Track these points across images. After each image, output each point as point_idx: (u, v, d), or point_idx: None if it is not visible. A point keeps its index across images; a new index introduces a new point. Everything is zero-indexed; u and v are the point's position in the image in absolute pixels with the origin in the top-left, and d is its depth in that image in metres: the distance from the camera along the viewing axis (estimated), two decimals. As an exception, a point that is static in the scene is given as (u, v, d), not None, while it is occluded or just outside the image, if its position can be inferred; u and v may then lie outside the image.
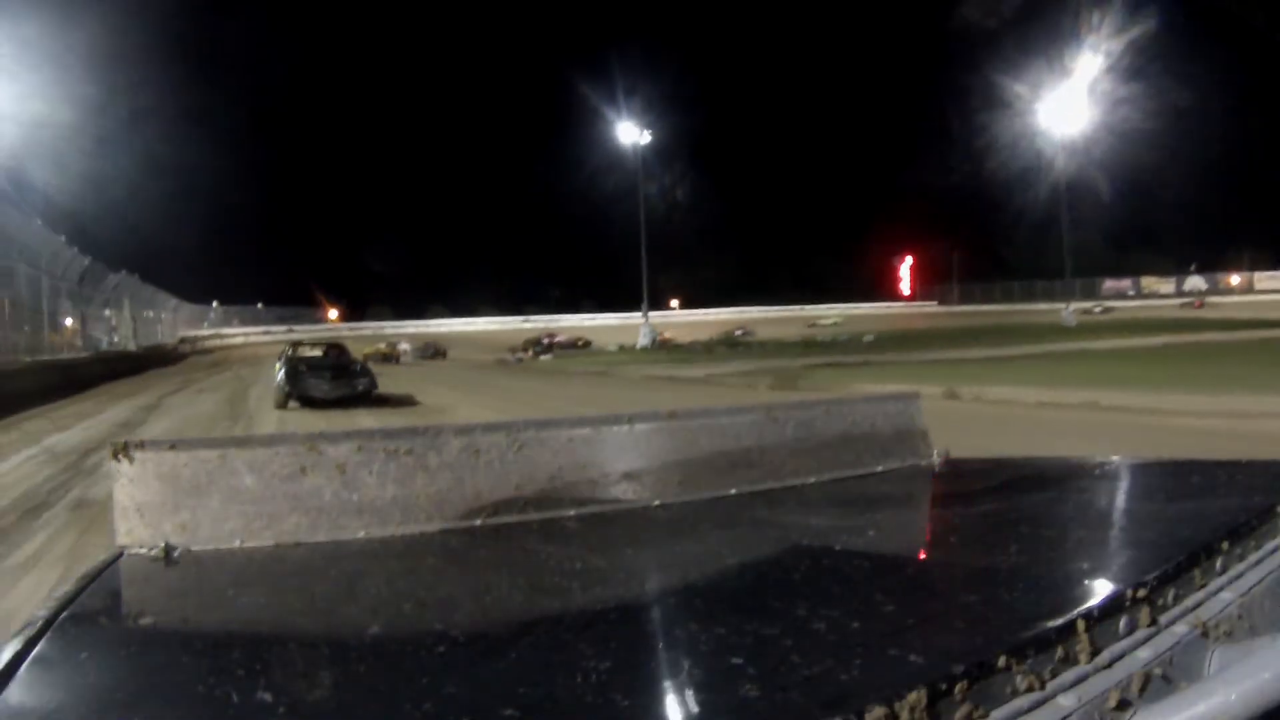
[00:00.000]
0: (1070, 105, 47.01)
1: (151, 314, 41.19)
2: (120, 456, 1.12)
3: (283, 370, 15.15)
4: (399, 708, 0.61)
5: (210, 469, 1.14)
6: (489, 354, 47.00)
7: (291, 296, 70.32)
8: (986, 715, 0.59)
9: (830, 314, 67.79)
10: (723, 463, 1.37)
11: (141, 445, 1.14)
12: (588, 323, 60.18)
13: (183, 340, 43.35)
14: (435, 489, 1.20)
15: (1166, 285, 60.83)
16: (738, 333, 53.46)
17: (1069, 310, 41.78)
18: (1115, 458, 1.62)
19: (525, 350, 47.45)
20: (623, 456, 1.30)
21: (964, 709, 0.58)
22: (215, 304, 61.83)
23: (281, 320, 63.99)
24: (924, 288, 69.27)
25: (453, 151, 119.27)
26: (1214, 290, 55.25)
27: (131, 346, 32.54)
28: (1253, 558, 0.87)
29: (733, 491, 1.34)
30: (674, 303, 76.93)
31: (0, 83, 26.27)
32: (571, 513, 1.23)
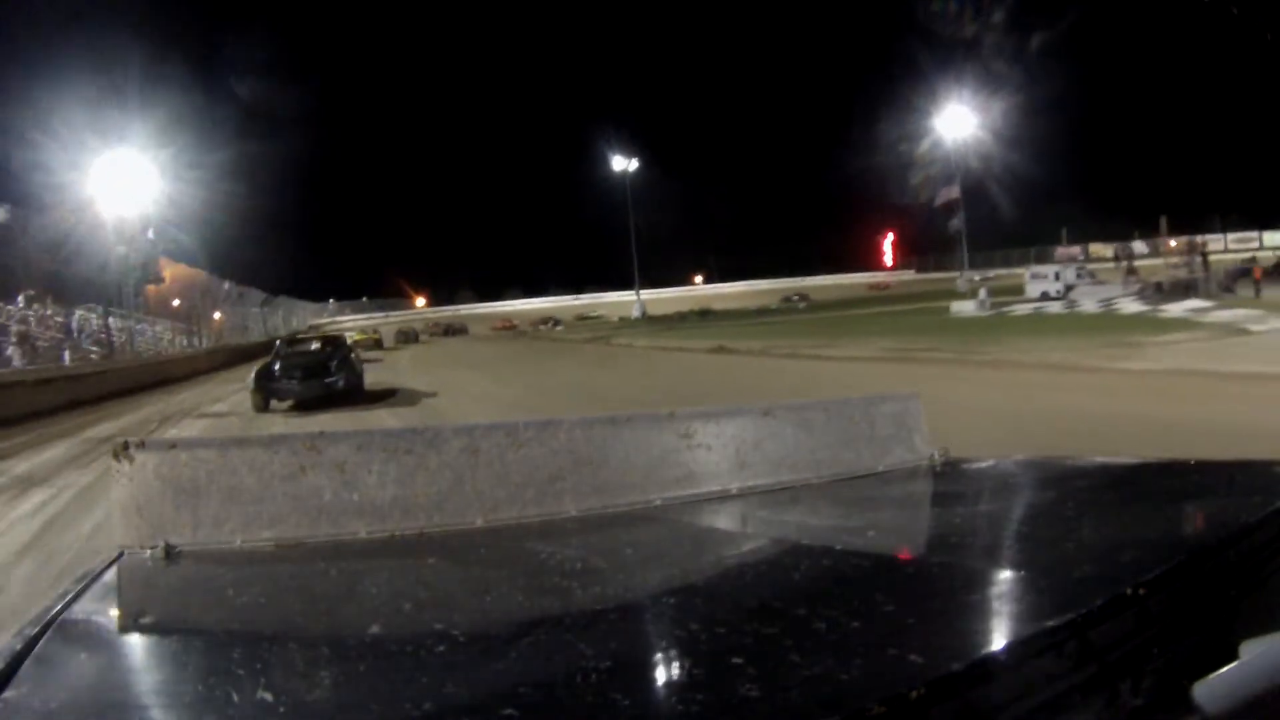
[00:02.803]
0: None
1: (296, 312, 65.27)
2: (121, 456, 1.11)
3: (255, 369, 13.80)
4: (399, 708, 0.61)
5: (210, 469, 1.13)
6: (527, 327, 60.01)
7: (389, 290, 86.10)
8: (986, 715, 0.59)
9: (805, 286, 71.47)
10: (722, 462, 1.35)
11: (142, 445, 1.13)
12: (623, 298, 67.54)
13: (310, 327, 58.94)
14: (435, 489, 1.19)
15: (1110, 251, 61.24)
16: (882, 288, 61.33)
17: (962, 279, 43.66)
18: (1115, 458, 1.61)
19: (544, 324, 60.31)
20: (622, 456, 1.29)
21: (964, 709, 0.58)
22: (331, 301, 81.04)
23: (381, 309, 79.34)
24: (911, 258, 70.69)
25: (529, 156, 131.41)
26: (1154, 254, 54.66)
27: (283, 334, 46.90)
28: (1253, 558, 0.87)
29: (733, 490, 1.32)
30: (698, 278, 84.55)
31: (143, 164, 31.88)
32: (571, 513, 1.22)
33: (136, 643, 0.82)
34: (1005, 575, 0.91)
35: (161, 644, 0.82)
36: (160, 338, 35.00)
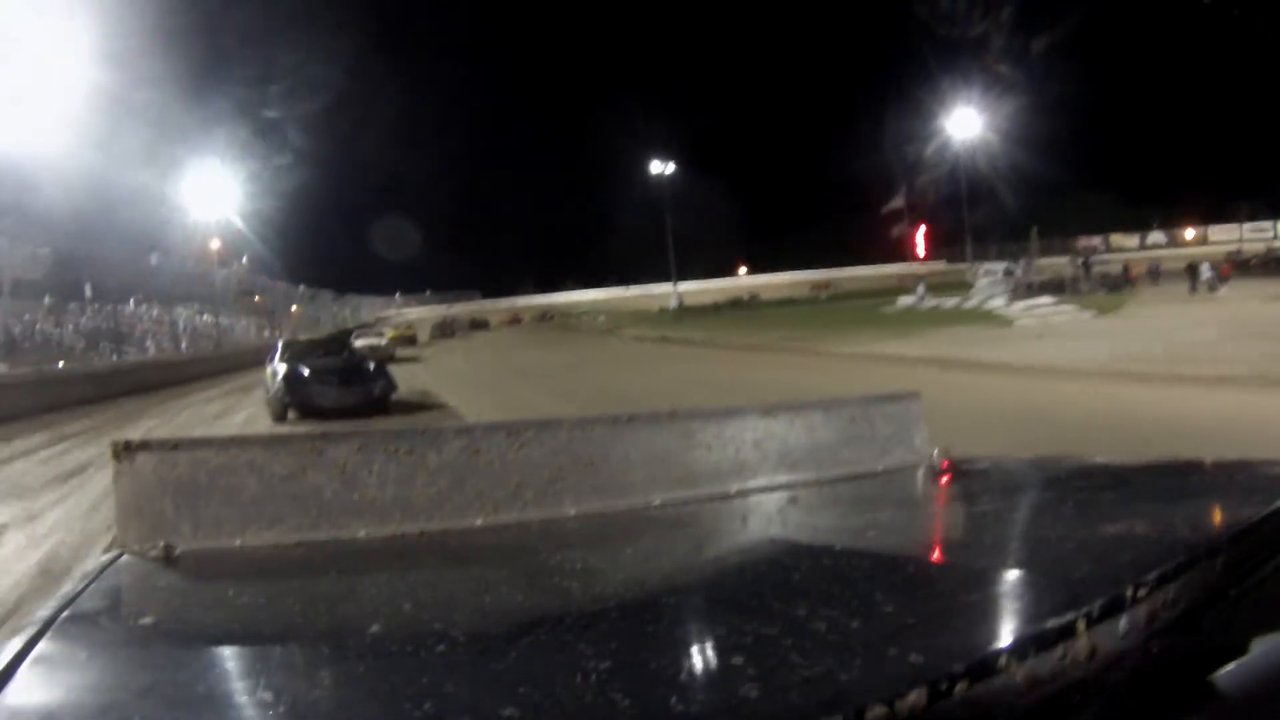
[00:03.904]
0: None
1: (363, 306, 74.31)
2: (121, 456, 1.11)
3: (280, 374, 12.04)
4: (399, 708, 0.61)
5: (210, 469, 1.13)
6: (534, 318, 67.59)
7: (452, 284, 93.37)
8: (986, 715, 0.59)
9: (843, 277, 74.33)
10: (722, 462, 1.36)
11: (143, 445, 1.13)
12: (668, 290, 71.13)
13: (378, 319, 63.13)
14: (435, 489, 1.20)
15: (1131, 240, 63.55)
16: (745, 297, 63.46)
17: (970, 271, 43.41)
18: (1115, 458, 1.62)
19: (545, 317, 66.16)
20: (622, 456, 1.30)
21: (964, 709, 0.58)
22: (398, 294, 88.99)
23: (443, 301, 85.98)
24: (944, 249, 72.40)
25: (584, 156, 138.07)
26: (1171, 244, 56.46)
27: (352, 324, 55.56)
28: (1253, 558, 0.86)
29: (733, 490, 1.33)
30: (742, 270, 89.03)
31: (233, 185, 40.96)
32: (571, 513, 1.23)
33: (136, 643, 0.82)
34: (1005, 575, 0.91)
35: (161, 644, 0.82)
36: (248, 330, 43.05)
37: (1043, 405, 9.29)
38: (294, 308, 55.27)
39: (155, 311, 36.20)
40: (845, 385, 11.63)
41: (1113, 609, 0.70)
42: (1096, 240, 63.91)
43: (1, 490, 7.79)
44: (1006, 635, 0.67)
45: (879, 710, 0.55)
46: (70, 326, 29.03)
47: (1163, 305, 22.87)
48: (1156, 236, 63.77)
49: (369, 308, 75.70)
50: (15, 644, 0.74)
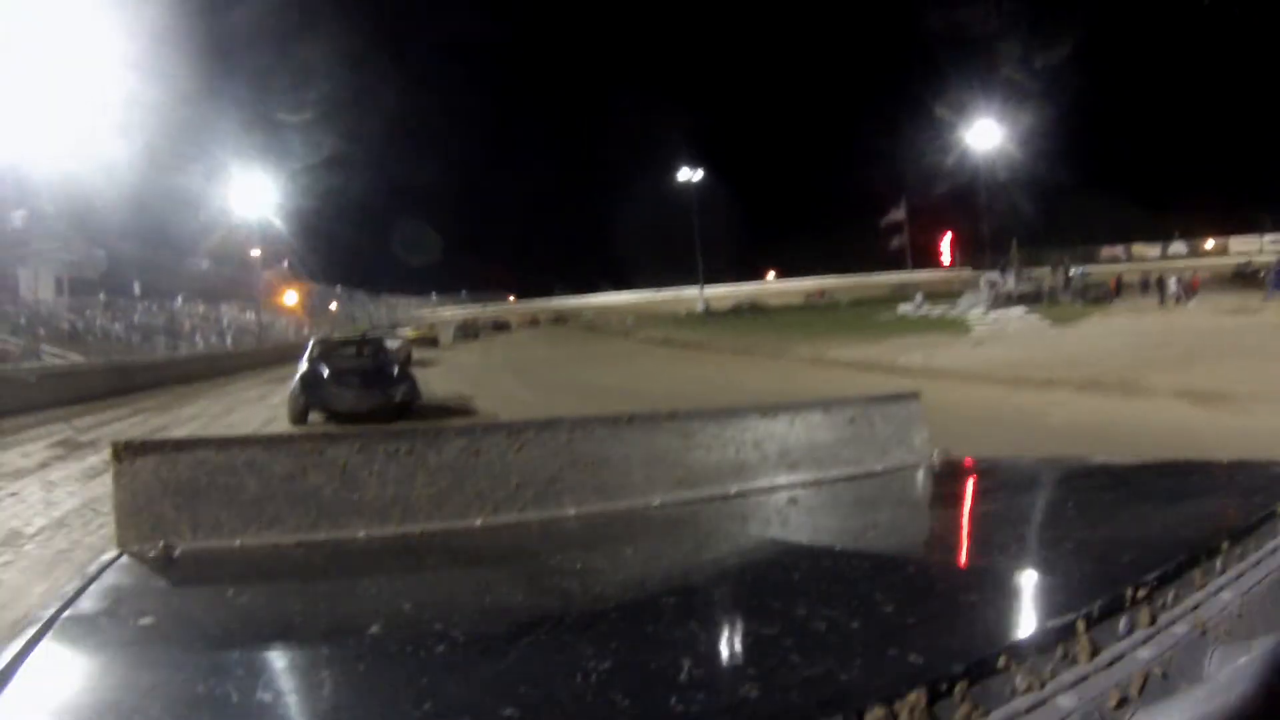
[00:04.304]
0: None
1: (399, 306, 79.79)
2: (121, 457, 1.12)
3: (299, 375, 11.83)
4: (399, 708, 0.62)
5: (210, 469, 1.13)
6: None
7: (485, 284, 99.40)
8: (986, 715, 0.58)
9: (866, 284, 75.37)
10: (721, 463, 1.36)
11: (142, 445, 1.13)
12: (703, 291, 73.01)
13: (414, 317, 68.50)
14: (435, 489, 1.20)
15: (1153, 250, 64.14)
16: (818, 296, 67.51)
17: (984, 280, 43.49)
18: (1115, 458, 1.62)
19: (558, 319, 70.64)
20: (622, 456, 1.30)
21: (964, 709, 0.58)
22: (433, 294, 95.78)
23: (477, 301, 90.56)
24: (970, 256, 73.84)
25: (617, 163, 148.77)
26: (1192, 254, 56.94)
27: (386, 324, 57.33)
28: (1253, 558, 0.86)
29: (732, 491, 1.33)
30: (770, 274, 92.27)
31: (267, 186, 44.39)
32: (571, 512, 1.23)
33: (136, 643, 0.82)
34: (1005, 575, 0.91)
35: (161, 645, 0.82)
36: (287, 327, 46.50)
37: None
38: (333, 305, 59.18)
39: (202, 308, 39.78)
40: (768, 383, 15.41)
41: (1113, 609, 0.70)
42: (1119, 249, 64.59)
43: (111, 437, 11.43)
44: (1006, 635, 0.66)
45: (879, 710, 0.55)
46: (124, 322, 32.61)
47: (1122, 316, 24.46)
48: (1178, 246, 64.24)
49: (405, 308, 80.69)
50: (15, 644, 0.73)
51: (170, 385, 20.57)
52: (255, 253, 42.60)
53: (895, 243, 60.01)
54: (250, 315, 41.81)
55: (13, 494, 7.16)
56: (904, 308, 36.16)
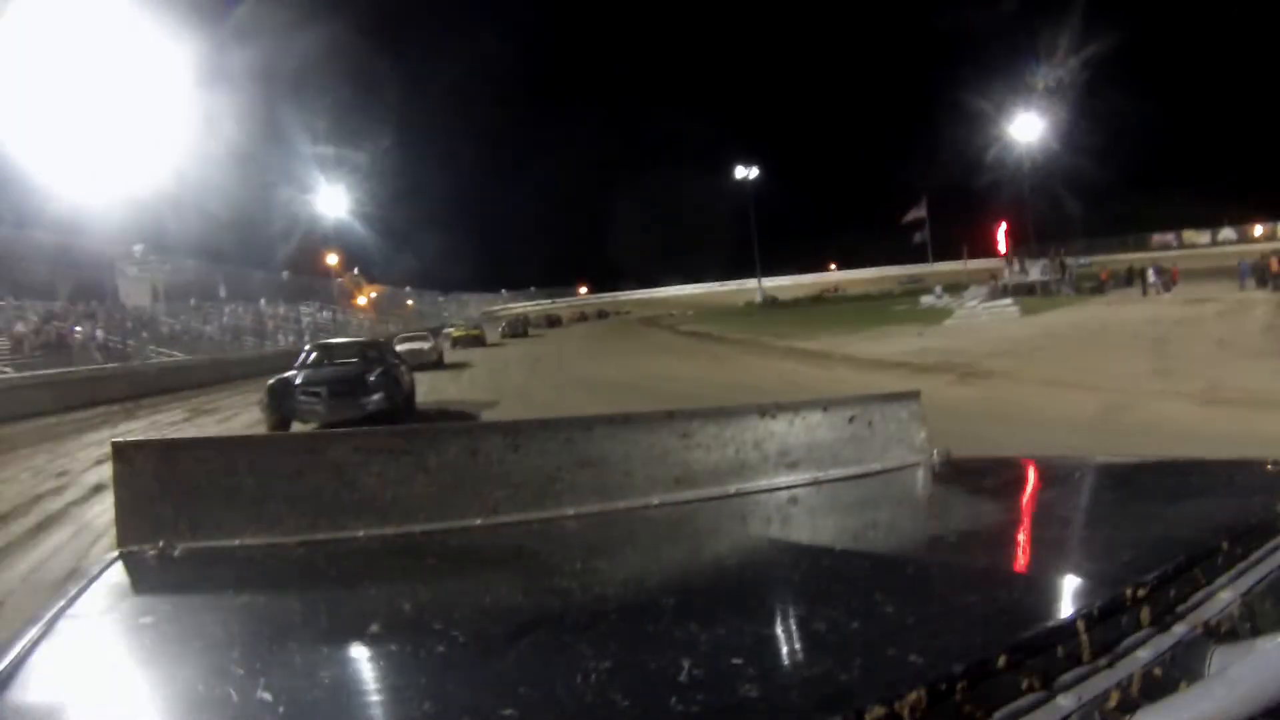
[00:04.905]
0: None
1: (471, 303, 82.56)
2: (121, 457, 1.12)
3: (269, 385, 11.35)
4: (399, 708, 0.62)
5: (210, 469, 1.14)
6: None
7: (556, 280, 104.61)
8: (986, 715, 0.59)
9: (923, 273, 76.20)
10: (721, 463, 1.35)
11: (142, 445, 1.13)
12: (761, 284, 76.46)
13: (484, 313, 74.24)
14: (435, 489, 1.20)
15: (1203, 238, 64.17)
16: (831, 291, 68.90)
17: (1008, 271, 44.82)
18: (1116, 458, 1.62)
19: (582, 317, 73.27)
20: (622, 456, 1.30)
21: (964, 709, 0.58)
22: (504, 290, 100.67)
23: (548, 297, 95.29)
24: (1024, 245, 74.71)
25: (683, 160, 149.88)
26: (1241, 240, 56.58)
27: (456, 320, 61.36)
28: (1253, 558, 0.86)
29: (732, 491, 1.33)
30: (832, 265, 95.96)
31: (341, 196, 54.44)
32: (571, 512, 1.23)
33: (136, 643, 0.82)
34: (1005, 575, 0.91)
35: (161, 645, 0.82)
36: (363, 324, 51.55)
37: (773, 381, 14.33)
38: (409, 302, 64.56)
39: (282, 309, 45.15)
40: (707, 373, 17.73)
41: (1113, 609, 0.70)
42: (1170, 237, 64.51)
43: (226, 407, 17.40)
44: (1006, 635, 0.66)
45: (879, 710, 0.55)
46: (215, 324, 37.93)
47: (1094, 307, 26.36)
48: (1227, 233, 63.85)
49: (476, 304, 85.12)
50: (15, 644, 0.73)
51: (259, 376, 23.67)
52: (331, 259, 48.28)
53: (917, 238, 61.72)
54: (325, 314, 47.20)
55: (176, 430, 13.83)
56: (926, 299, 38.35)
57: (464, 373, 23.11)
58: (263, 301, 44.95)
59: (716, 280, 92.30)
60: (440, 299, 79.39)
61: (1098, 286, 34.72)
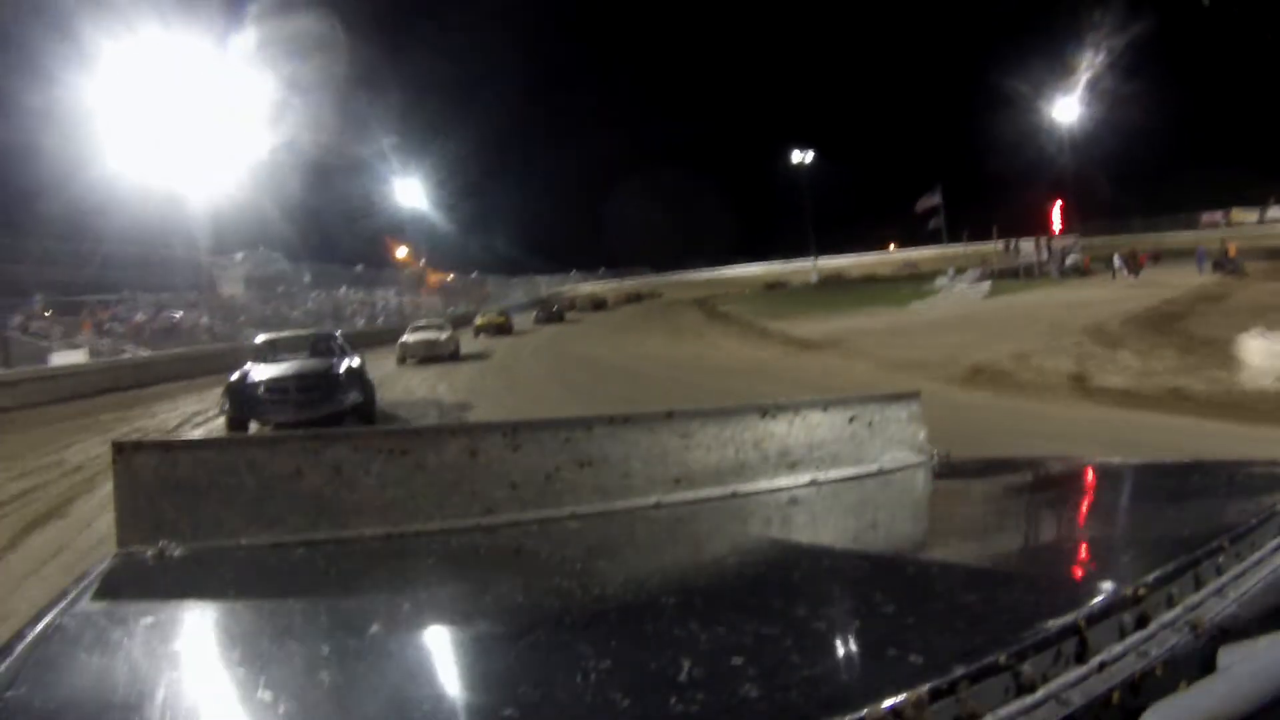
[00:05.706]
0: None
1: (541, 284, 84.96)
2: (120, 456, 1.12)
3: (227, 384, 10.34)
4: (399, 707, 0.62)
5: (210, 469, 1.14)
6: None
7: (622, 260, 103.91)
8: (986, 715, 0.58)
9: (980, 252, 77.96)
10: (721, 463, 1.36)
11: (141, 445, 1.14)
12: (824, 263, 75.84)
13: (552, 294, 71.14)
14: (434, 489, 1.20)
15: (1252, 216, 63.22)
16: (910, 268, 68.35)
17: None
18: (1115, 458, 1.62)
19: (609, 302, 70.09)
20: (622, 456, 1.30)
21: (964, 709, 0.58)
22: (573, 271, 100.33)
23: (616, 277, 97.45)
24: (1079, 223, 74.86)
25: (747, 143, 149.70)
26: None
27: (526, 299, 65.24)
28: (1253, 558, 0.86)
29: (732, 491, 1.33)
30: (891, 245, 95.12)
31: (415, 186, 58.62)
32: (570, 512, 1.23)
33: (136, 643, 0.81)
34: (1005, 575, 0.90)
35: (161, 644, 0.82)
36: (433, 307, 57.17)
37: (690, 358, 16.43)
38: (485, 288, 70.16)
39: (360, 294, 51.47)
40: (673, 352, 19.18)
41: (1113, 609, 0.70)
42: (1218, 215, 64.20)
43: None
44: (1006, 635, 0.66)
45: (879, 710, 0.55)
46: (300, 309, 44.10)
47: (1061, 290, 27.52)
48: (1275, 211, 62.83)
49: (545, 285, 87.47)
50: (16, 644, 0.74)
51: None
52: (401, 251, 54.28)
53: (932, 224, 63.06)
54: (395, 299, 53.38)
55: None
56: (940, 280, 40.28)
57: (463, 368, 22.29)
58: (343, 289, 51.27)
59: (781, 259, 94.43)
60: (512, 280, 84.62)
61: (1082, 270, 35.85)
